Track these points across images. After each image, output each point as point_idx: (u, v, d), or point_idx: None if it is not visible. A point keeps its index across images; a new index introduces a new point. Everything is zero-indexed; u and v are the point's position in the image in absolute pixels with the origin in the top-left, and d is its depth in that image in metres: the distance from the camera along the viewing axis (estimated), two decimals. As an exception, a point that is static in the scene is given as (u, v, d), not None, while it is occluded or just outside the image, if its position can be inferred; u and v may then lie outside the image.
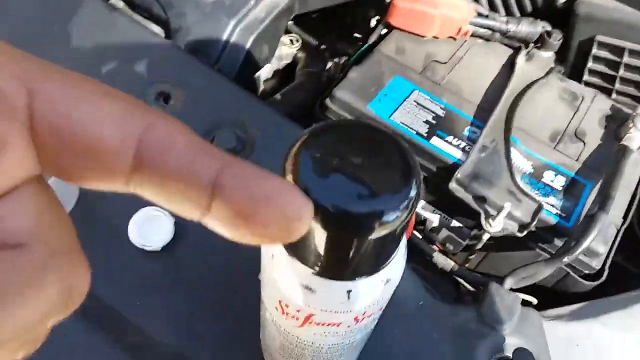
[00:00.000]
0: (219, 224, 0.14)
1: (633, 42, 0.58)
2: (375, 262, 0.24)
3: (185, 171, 0.13)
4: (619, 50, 0.60)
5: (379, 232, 0.20)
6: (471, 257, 0.56)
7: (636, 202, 0.54)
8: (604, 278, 0.49)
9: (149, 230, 0.45)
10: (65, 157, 0.13)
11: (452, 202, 0.52)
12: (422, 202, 0.56)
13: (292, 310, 0.27)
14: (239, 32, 0.64)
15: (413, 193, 0.21)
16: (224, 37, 0.63)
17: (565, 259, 0.45)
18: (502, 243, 0.52)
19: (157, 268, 0.45)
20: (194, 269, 0.45)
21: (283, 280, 0.26)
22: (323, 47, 0.80)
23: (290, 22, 0.82)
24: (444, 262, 0.52)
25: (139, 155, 0.13)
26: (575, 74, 0.64)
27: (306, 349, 0.32)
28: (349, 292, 0.25)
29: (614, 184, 0.48)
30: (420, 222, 0.56)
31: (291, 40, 0.84)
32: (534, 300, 0.49)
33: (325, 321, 0.27)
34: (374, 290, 0.26)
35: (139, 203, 0.45)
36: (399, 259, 0.26)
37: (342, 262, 0.23)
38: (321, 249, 0.22)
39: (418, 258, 0.53)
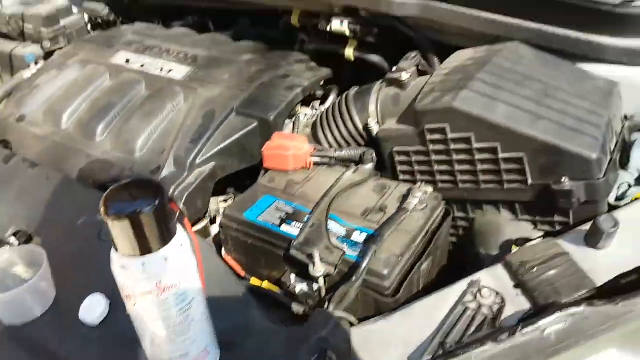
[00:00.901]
0: None
1: (411, 145, 0.88)
2: (153, 245, 0.50)
3: None
4: (407, 153, 0.90)
5: (141, 220, 0.48)
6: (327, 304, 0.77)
7: (432, 248, 0.78)
8: (400, 295, 0.71)
9: (92, 310, 0.71)
10: None
11: (298, 265, 0.76)
12: (292, 276, 0.80)
13: (126, 290, 0.53)
14: (177, 193, 0.97)
15: (156, 201, 0.49)
16: (169, 195, 0.95)
17: (354, 278, 0.68)
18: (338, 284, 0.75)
19: (95, 333, 0.69)
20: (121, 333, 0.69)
21: (117, 271, 0.52)
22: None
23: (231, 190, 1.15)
24: (298, 308, 0.74)
25: None
26: (395, 177, 0.94)
27: (147, 330, 0.55)
28: (143, 264, 0.51)
29: (385, 228, 0.73)
30: (288, 287, 0.79)
31: (225, 200, 1.17)
32: (355, 320, 0.70)
33: (140, 291, 0.52)
34: (159, 264, 0.51)
35: (89, 293, 0.71)
36: (172, 247, 0.52)
37: (133, 244, 0.50)
38: (122, 238, 0.49)
39: (283, 310, 0.75)
